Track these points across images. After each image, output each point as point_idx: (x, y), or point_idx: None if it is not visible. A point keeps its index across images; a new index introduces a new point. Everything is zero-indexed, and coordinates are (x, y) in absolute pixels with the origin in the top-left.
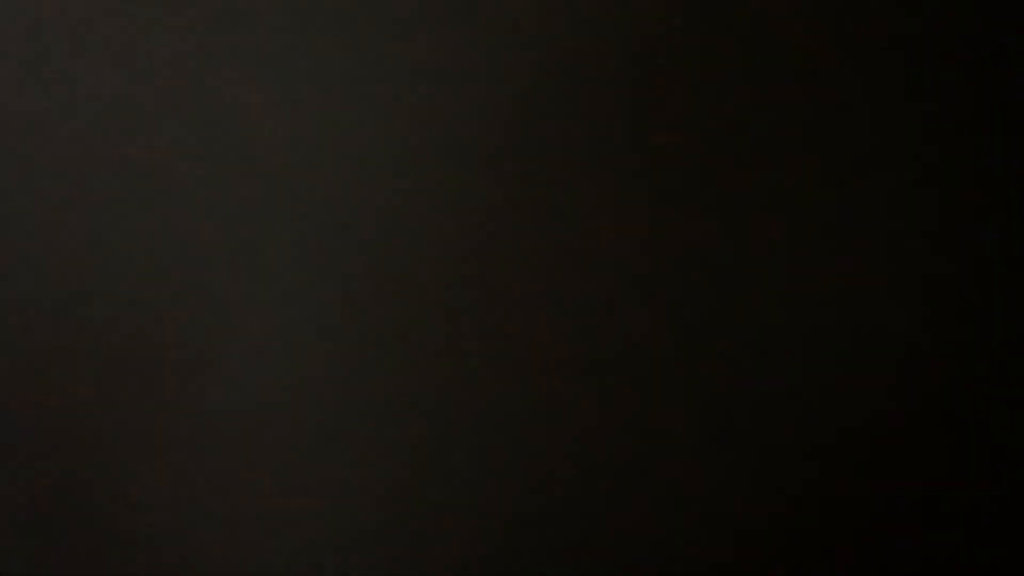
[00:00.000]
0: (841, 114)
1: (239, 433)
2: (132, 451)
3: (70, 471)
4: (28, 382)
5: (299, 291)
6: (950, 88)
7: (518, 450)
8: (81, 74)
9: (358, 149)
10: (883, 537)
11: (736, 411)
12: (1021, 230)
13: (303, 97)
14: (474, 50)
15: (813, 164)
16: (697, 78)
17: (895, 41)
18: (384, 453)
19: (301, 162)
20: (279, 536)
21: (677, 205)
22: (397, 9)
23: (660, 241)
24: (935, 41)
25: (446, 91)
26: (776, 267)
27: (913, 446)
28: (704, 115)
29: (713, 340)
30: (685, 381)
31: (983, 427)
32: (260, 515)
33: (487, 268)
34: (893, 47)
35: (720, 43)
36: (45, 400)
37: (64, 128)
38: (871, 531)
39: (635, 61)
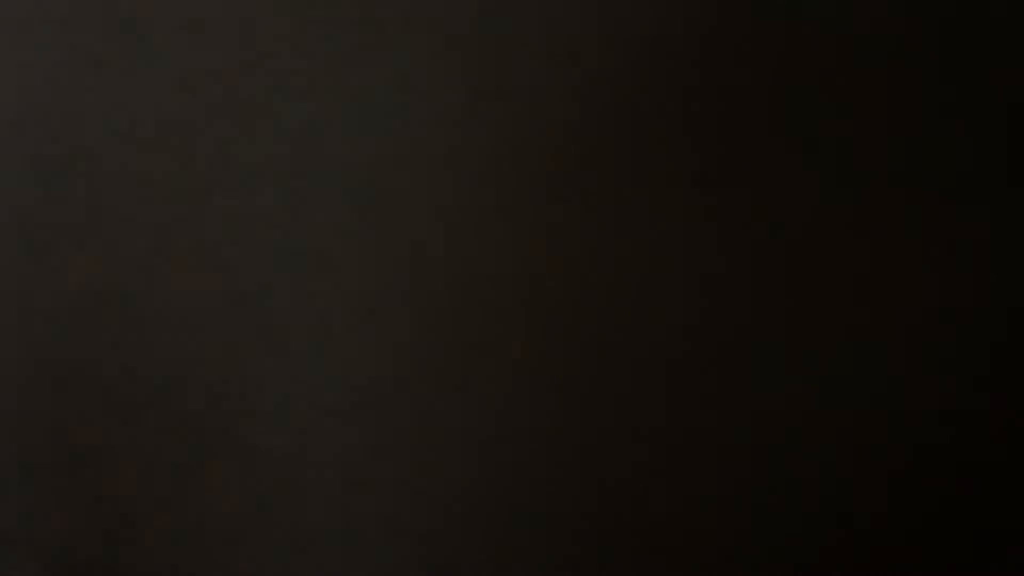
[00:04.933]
0: (873, 121)
1: (274, 461)
2: (166, 476)
3: (100, 496)
4: (59, 410)
5: (321, 294)
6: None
7: (560, 469)
8: (121, 86)
9: (382, 156)
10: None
11: (746, 416)
12: None
13: (343, 111)
14: (492, 56)
15: (832, 167)
16: (708, 82)
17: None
18: (403, 458)
19: (322, 167)
20: (298, 542)
21: (693, 208)
22: (418, 14)
23: (677, 244)
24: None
25: (465, 100)
26: (790, 270)
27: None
28: (717, 118)
29: (722, 343)
30: (698, 385)
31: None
32: (276, 520)
33: (525, 278)
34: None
35: (731, 45)
36: (76, 429)
37: (95, 141)
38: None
39: (645, 65)
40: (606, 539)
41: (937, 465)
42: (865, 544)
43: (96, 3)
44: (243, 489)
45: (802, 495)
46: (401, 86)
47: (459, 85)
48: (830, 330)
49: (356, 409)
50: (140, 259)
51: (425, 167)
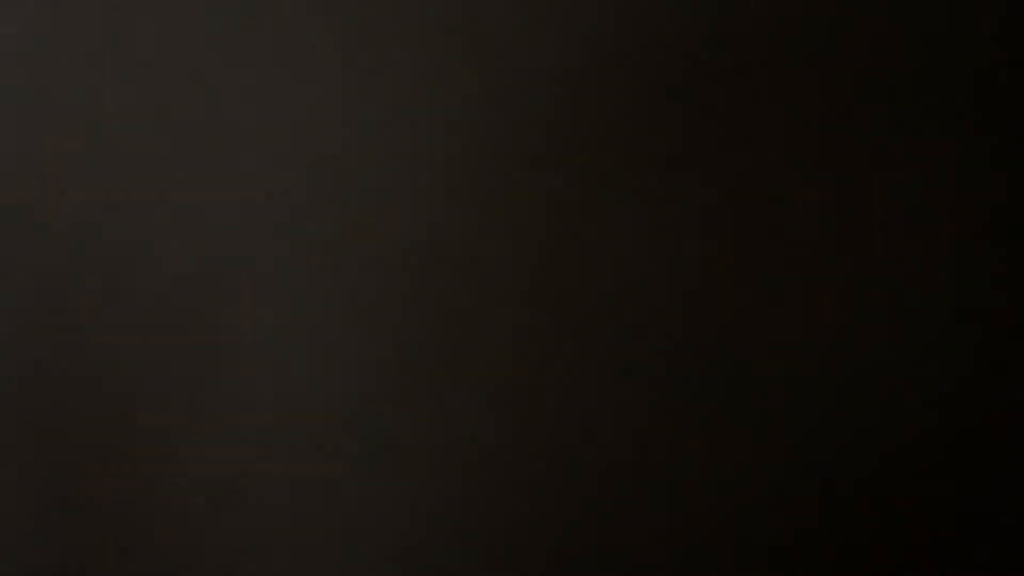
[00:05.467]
0: (867, 119)
1: (249, 437)
2: (142, 455)
3: (81, 476)
4: (39, 387)
5: (310, 294)
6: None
7: (523, 452)
8: (92, 77)
9: (371, 153)
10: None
11: (749, 418)
12: None
13: (315, 100)
14: (480, 54)
15: (833, 167)
16: (705, 79)
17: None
18: (396, 456)
19: (313, 166)
20: (289, 542)
21: (690, 210)
22: (405, 11)
23: (669, 245)
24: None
25: (452, 95)
26: (793, 272)
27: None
28: (714, 118)
29: (722, 348)
30: (697, 386)
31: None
32: (270, 520)
33: (498, 271)
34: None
35: (728, 43)
36: (55, 407)
37: (71, 130)
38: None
39: (641, 64)
40: (600, 543)
41: (935, 464)
42: (863, 545)
43: (96, 8)
44: (228, 489)
45: (799, 494)
46: (393, 83)
47: (448, 82)
48: (818, 321)
49: (355, 409)
50: (132, 257)
51: (422, 164)
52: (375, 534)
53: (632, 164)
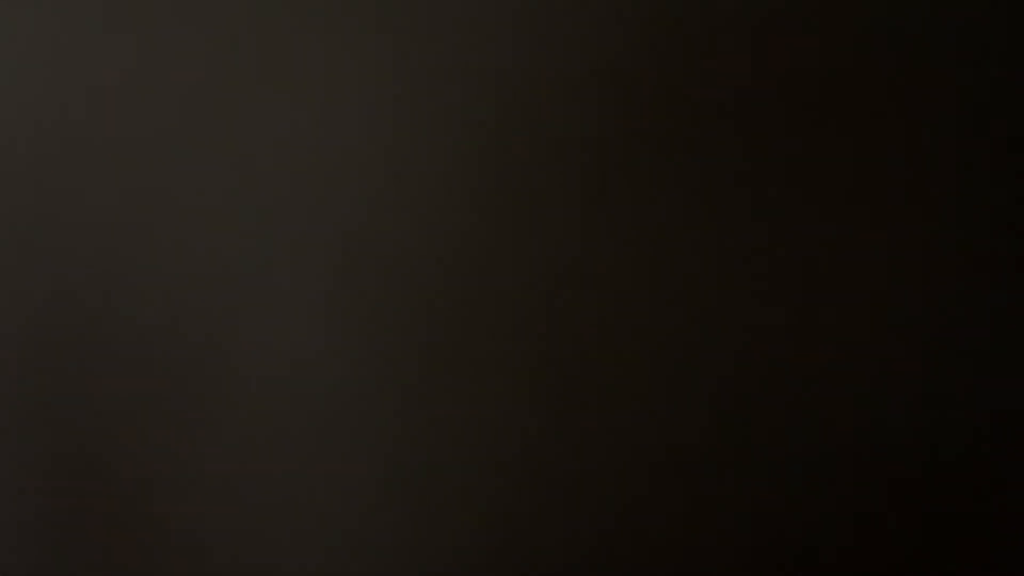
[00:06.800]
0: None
1: (249, 429)
2: (147, 446)
3: (81, 476)
4: (40, 387)
5: (308, 291)
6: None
7: (523, 453)
8: (95, 78)
9: (369, 152)
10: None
11: (749, 419)
12: None
13: (318, 100)
14: (486, 55)
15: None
16: (700, 79)
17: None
18: (391, 451)
19: (312, 164)
20: (286, 531)
21: (685, 207)
22: (403, 9)
23: (664, 245)
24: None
25: (450, 93)
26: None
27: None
28: (706, 115)
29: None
30: (692, 385)
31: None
32: (268, 509)
33: (495, 272)
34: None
35: (721, 43)
36: (64, 399)
37: (77, 131)
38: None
39: (632, 64)
40: (603, 545)
41: (936, 465)
42: (856, 548)
43: (95, 12)
44: (237, 488)
45: (801, 496)
46: (399, 82)
47: (452, 82)
48: (825, 333)
49: (358, 410)
50: (135, 258)
51: (426, 165)
52: (376, 534)
53: (640, 165)
